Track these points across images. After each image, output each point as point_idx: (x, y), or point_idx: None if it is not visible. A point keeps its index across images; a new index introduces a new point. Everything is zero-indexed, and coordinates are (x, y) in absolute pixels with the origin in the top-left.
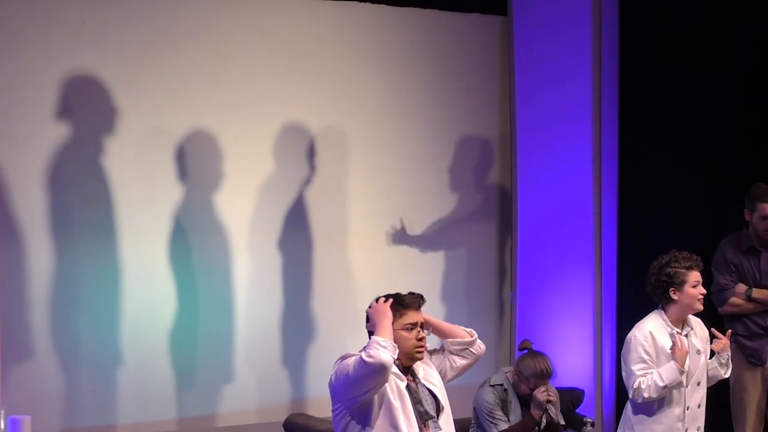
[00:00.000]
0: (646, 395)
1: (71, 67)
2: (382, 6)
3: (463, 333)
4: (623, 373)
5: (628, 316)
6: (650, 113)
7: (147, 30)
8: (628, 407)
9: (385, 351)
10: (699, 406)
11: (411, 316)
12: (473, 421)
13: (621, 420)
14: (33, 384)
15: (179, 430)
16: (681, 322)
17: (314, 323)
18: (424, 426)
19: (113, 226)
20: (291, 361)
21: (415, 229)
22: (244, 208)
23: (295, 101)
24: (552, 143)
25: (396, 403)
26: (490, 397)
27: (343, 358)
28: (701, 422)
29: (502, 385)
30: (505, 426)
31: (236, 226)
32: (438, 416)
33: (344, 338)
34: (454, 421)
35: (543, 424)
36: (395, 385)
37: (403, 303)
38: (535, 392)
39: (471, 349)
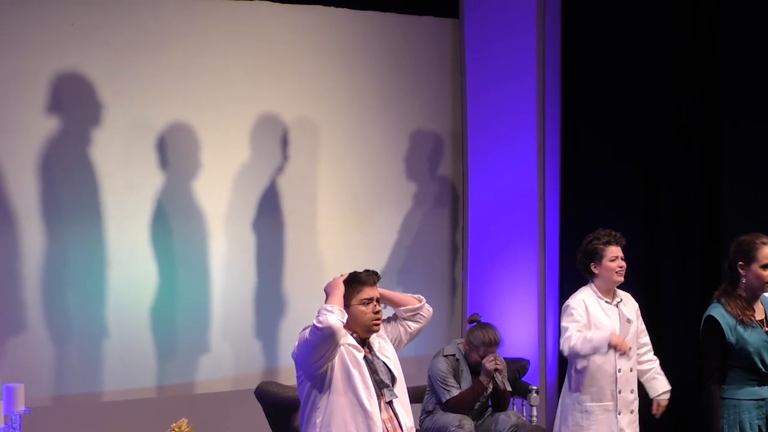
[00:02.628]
0: (572, 343)
1: (61, 65)
2: (345, 9)
3: (413, 300)
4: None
5: (569, 293)
6: (590, 110)
7: (131, 32)
8: (568, 374)
9: (332, 315)
10: (631, 370)
11: (367, 292)
12: (428, 388)
13: (563, 386)
14: (26, 354)
15: (160, 396)
16: (610, 293)
17: (284, 299)
18: (381, 394)
19: (99, 211)
20: (263, 333)
21: (376, 214)
22: (220, 194)
23: (266, 97)
24: (500, 136)
25: (354, 371)
26: (443, 365)
27: (303, 330)
28: (634, 386)
29: (454, 355)
30: (456, 392)
31: (213, 211)
32: (393, 385)
33: (312, 312)
34: (411, 388)
35: (491, 390)
36: (353, 356)
37: (359, 280)
38: (483, 361)
39: (421, 312)
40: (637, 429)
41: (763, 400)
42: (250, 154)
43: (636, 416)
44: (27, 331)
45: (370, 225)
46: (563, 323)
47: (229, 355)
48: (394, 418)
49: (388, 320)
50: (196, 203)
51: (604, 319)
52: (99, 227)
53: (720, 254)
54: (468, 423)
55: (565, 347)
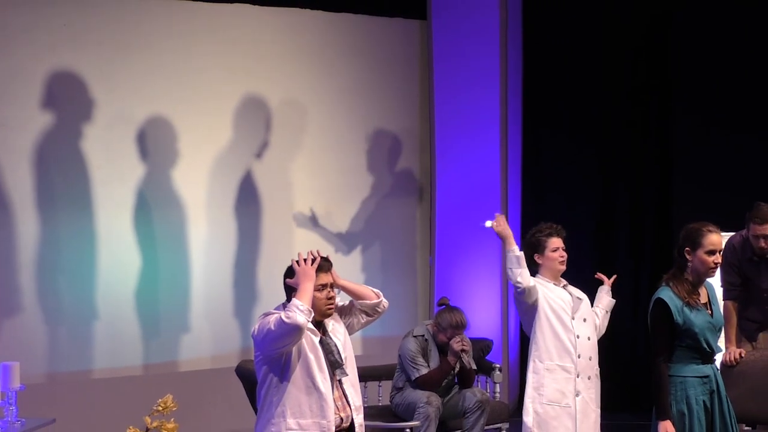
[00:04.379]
0: (521, 280)
1: (55, 64)
2: (320, 11)
3: (371, 294)
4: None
5: None
6: (550, 108)
7: (120, 34)
8: (533, 339)
9: (301, 314)
10: (588, 338)
11: (322, 278)
12: (398, 367)
13: (529, 352)
14: (21, 335)
15: (145, 374)
16: (556, 280)
17: (260, 282)
18: (333, 373)
19: (89, 200)
20: (240, 314)
21: (350, 203)
22: (200, 184)
23: (244, 94)
24: (465, 132)
25: (311, 355)
26: (412, 345)
27: (266, 314)
28: (593, 354)
29: (423, 335)
30: (425, 371)
31: (193, 199)
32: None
33: (283, 295)
34: (383, 365)
35: (457, 369)
36: (311, 340)
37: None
38: (451, 342)
39: (377, 308)
40: (593, 395)
41: (707, 377)
42: (231, 147)
43: (594, 383)
44: (22, 313)
45: (343, 214)
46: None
47: (210, 336)
48: (343, 396)
49: (344, 307)
50: (178, 193)
51: (556, 300)
52: (89, 216)
53: (670, 242)
54: (436, 399)
55: (516, 284)
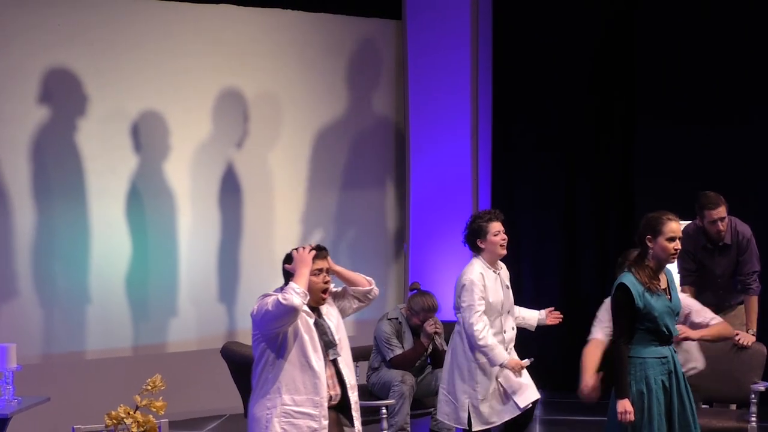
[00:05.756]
0: (484, 340)
1: (49, 61)
2: (300, 12)
3: (364, 281)
4: (461, 305)
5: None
6: (519, 103)
7: (111, 32)
8: (457, 336)
9: (297, 297)
10: (513, 329)
11: (318, 264)
12: (374, 348)
13: (452, 343)
14: (18, 318)
15: (135, 355)
16: (495, 264)
17: (244, 268)
18: (327, 353)
19: (83, 190)
20: (226, 298)
21: (329, 193)
22: (186, 175)
23: (229, 90)
24: (438, 125)
25: (306, 336)
26: (387, 327)
27: (265, 296)
28: (513, 342)
29: (397, 318)
30: (399, 351)
31: (180, 189)
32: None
33: (266, 280)
34: (357, 347)
35: (430, 350)
36: (306, 321)
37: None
38: (425, 325)
39: (369, 295)
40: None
41: (665, 358)
42: (216, 140)
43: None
44: (19, 297)
45: (322, 202)
46: (469, 300)
47: (195, 319)
48: (335, 375)
49: (338, 293)
50: (166, 183)
51: (491, 291)
52: (83, 206)
53: (631, 233)
54: (410, 378)
55: (472, 330)
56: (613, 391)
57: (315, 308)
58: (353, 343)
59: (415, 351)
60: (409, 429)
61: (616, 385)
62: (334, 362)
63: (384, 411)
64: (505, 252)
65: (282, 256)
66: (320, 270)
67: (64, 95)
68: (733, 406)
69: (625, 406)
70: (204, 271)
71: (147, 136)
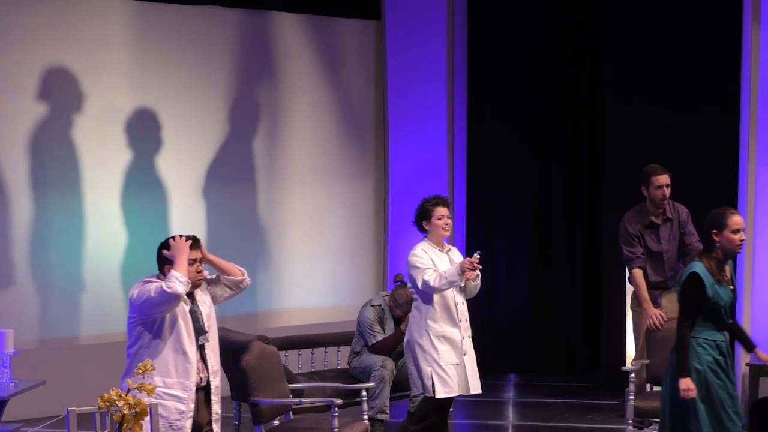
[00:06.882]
0: (432, 283)
1: (45, 59)
2: (284, 13)
3: (237, 271)
4: (413, 278)
5: (472, 254)
6: (492, 99)
7: (104, 31)
8: (415, 311)
9: (181, 285)
10: (463, 303)
11: (192, 254)
12: (356, 333)
13: (410, 322)
14: (15, 305)
15: (126, 340)
16: (441, 245)
17: (232, 258)
18: (197, 339)
19: (78, 183)
20: None
21: (312, 184)
22: (178, 169)
23: (217, 88)
24: (416, 120)
25: (181, 321)
26: (370, 314)
27: (146, 281)
28: (467, 315)
29: (380, 305)
30: (381, 337)
31: (172, 182)
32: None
33: (252, 269)
34: (341, 333)
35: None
36: (182, 307)
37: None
38: (408, 315)
39: (240, 285)
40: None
41: (722, 341)
42: (206, 135)
43: (471, 341)
44: (16, 285)
45: (304, 193)
46: (417, 265)
47: None
48: (201, 359)
49: (212, 280)
50: (158, 176)
51: (440, 265)
52: (78, 198)
53: (600, 220)
54: (390, 363)
55: (419, 280)
56: (673, 369)
57: (190, 295)
58: (335, 328)
59: (395, 338)
60: (388, 411)
61: (679, 363)
62: (202, 347)
63: (364, 394)
64: (447, 234)
65: (269, 246)
66: (194, 260)
67: (59, 91)
68: None
69: (687, 383)
70: None
71: (139, 131)
